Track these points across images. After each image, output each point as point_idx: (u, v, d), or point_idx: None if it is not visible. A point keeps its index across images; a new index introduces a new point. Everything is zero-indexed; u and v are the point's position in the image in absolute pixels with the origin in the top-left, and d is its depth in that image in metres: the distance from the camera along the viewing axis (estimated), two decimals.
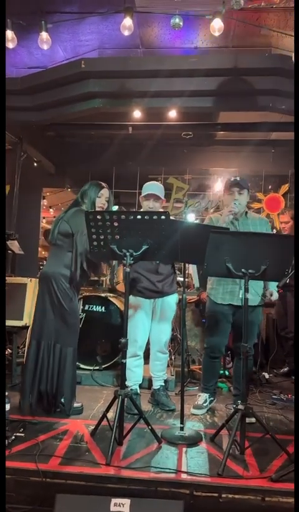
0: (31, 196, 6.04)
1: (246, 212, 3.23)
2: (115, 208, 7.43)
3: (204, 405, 3.22)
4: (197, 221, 6.92)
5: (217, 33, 3.17)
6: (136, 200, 4.45)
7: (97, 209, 3.10)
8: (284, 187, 6.38)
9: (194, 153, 6.39)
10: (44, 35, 3.36)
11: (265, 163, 6.32)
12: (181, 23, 3.18)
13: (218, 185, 6.83)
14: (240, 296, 2.98)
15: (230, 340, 3.58)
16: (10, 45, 3.32)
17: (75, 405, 3.11)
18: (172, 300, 3.38)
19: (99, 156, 6.16)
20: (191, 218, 6.64)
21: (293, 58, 3.53)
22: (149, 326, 3.34)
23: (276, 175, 6.55)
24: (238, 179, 3.17)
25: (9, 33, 3.28)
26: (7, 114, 4.18)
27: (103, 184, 3.20)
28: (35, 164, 5.91)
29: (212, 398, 3.31)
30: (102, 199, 3.15)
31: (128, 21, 3.21)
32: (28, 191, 5.72)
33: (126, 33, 3.26)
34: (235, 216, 3.12)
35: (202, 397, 3.26)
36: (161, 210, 3.44)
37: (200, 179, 6.88)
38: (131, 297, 3.28)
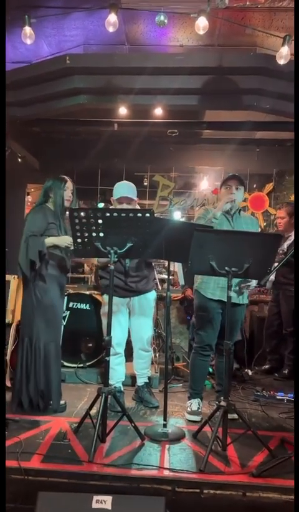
0: (15, 192, 5.98)
1: (240, 210, 3.22)
2: (101, 205, 7.46)
3: (199, 410, 3.11)
4: (183, 219, 6.97)
5: (201, 32, 3.16)
6: None
7: (65, 202, 3.16)
8: (269, 186, 6.44)
9: (180, 151, 6.40)
10: (27, 29, 3.31)
11: (250, 162, 6.37)
12: (166, 21, 3.17)
13: (203, 184, 6.86)
14: (230, 294, 2.92)
15: None
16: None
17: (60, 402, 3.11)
18: (149, 297, 3.36)
19: (85, 153, 6.13)
20: (177, 216, 6.65)
21: (293, 59, 3.55)
22: (127, 324, 3.33)
23: (261, 174, 6.61)
24: (236, 174, 3.17)
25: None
26: None
27: (66, 177, 3.23)
28: (20, 160, 5.84)
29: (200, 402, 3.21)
30: (68, 191, 3.19)
31: (112, 17, 3.18)
32: (13, 187, 5.66)
33: (111, 29, 3.24)
34: (230, 211, 3.10)
35: (195, 403, 3.14)
36: (137, 205, 3.44)
37: (186, 177, 6.89)
38: (105, 296, 3.28)
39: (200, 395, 3.22)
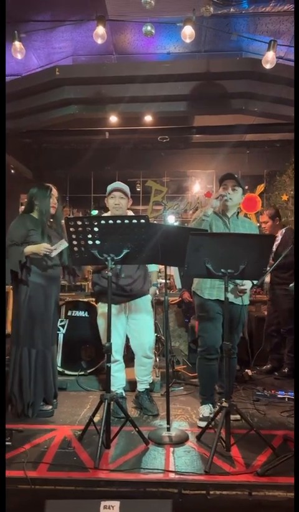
0: (9, 203, 5.99)
1: (238, 213, 3.16)
2: (95, 212, 7.49)
3: (211, 416, 2.96)
4: (177, 223, 7.01)
5: (188, 40, 3.22)
6: None
7: (50, 209, 3.24)
8: (260, 187, 6.51)
9: (171, 156, 6.46)
10: (17, 44, 3.36)
11: (241, 164, 6.44)
12: (153, 31, 3.23)
13: (196, 187, 6.92)
14: (228, 296, 2.86)
15: None
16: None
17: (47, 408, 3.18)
18: (145, 301, 3.34)
19: (77, 161, 6.18)
20: (171, 220, 6.70)
21: (293, 62, 3.61)
22: (124, 330, 3.30)
23: (252, 176, 6.68)
24: (235, 175, 3.09)
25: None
26: None
27: (49, 184, 3.31)
28: (13, 172, 5.88)
29: (213, 408, 3.10)
30: (53, 198, 3.28)
31: (100, 29, 3.24)
32: (6, 198, 5.70)
33: (99, 41, 3.30)
34: (225, 210, 3.05)
35: (206, 409, 3.07)
36: (130, 211, 3.47)
37: (178, 181, 6.95)
38: (101, 304, 3.29)
39: (211, 399, 3.13)
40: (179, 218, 6.94)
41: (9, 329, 3.76)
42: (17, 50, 3.33)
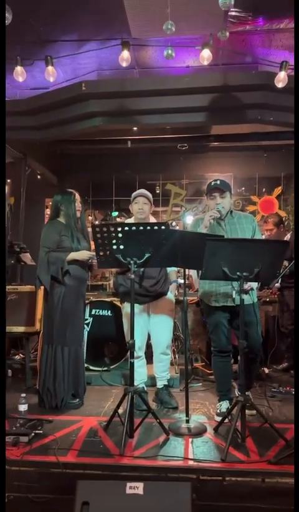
0: (35, 207, 6.28)
1: (232, 211, 3.26)
2: (115, 213, 7.70)
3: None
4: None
5: (205, 62, 3.41)
6: None
7: (76, 213, 3.44)
8: (278, 190, 6.60)
9: (190, 160, 6.61)
10: (50, 69, 3.60)
11: (258, 166, 6.54)
12: (173, 54, 3.43)
13: None
14: (234, 297, 3.06)
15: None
16: (20, 78, 3.58)
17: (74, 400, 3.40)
18: (166, 300, 3.53)
19: (99, 166, 6.42)
20: (189, 220, 6.85)
21: (293, 63, 3.75)
22: (146, 329, 3.50)
23: (270, 178, 6.77)
24: (218, 182, 3.20)
25: (19, 69, 3.53)
26: (12, 134, 4.44)
27: (71, 190, 3.51)
28: (39, 177, 6.15)
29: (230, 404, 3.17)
30: (78, 203, 3.48)
31: (125, 54, 3.46)
32: (32, 203, 5.98)
33: (124, 64, 3.52)
34: (220, 218, 3.15)
35: (224, 405, 3.20)
36: (151, 216, 3.67)
37: (197, 184, 7.09)
38: (126, 304, 3.49)
39: (228, 396, 3.26)
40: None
41: (37, 326, 4.02)
42: (50, 74, 3.57)
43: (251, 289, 3.01)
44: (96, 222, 8.22)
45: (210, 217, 3.08)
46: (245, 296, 2.85)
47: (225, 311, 3.18)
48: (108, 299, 4.44)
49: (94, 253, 3.24)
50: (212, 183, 3.24)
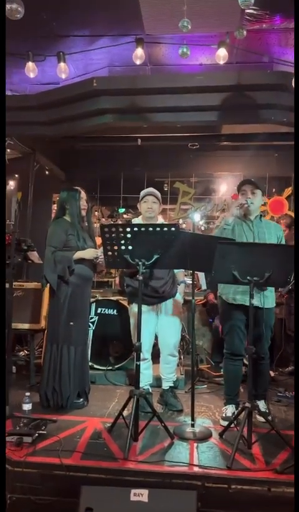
0: (42, 203, 6.25)
1: (261, 216, 3.25)
2: (122, 210, 7.64)
3: (233, 416, 3.01)
4: (202, 222, 7.13)
5: (222, 62, 3.34)
6: None
7: (82, 212, 3.39)
8: (288, 191, 6.51)
9: (199, 158, 6.54)
10: (62, 65, 3.55)
11: (269, 166, 6.45)
12: (188, 53, 3.36)
13: (223, 189, 7.00)
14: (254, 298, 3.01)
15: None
16: (31, 74, 3.53)
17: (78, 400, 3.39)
18: (174, 302, 3.48)
19: (108, 162, 6.37)
20: (197, 218, 6.83)
21: (293, 63, 3.68)
22: (154, 330, 3.46)
23: (280, 178, 6.68)
24: (251, 179, 3.21)
25: (30, 65, 3.49)
26: (22, 129, 4.41)
27: (77, 187, 3.45)
28: (47, 173, 6.11)
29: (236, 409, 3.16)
30: (83, 201, 3.43)
31: (139, 51, 3.40)
32: (40, 198, 5.95)
33: (138, 62, 3.46)
34: (248, 214, 3.13)
35: (230, 409, 3.17)
36: (160, 216, 3.62)
37: (206, 182, 7.03)
38: (134, 305, 3.44)
39: (235, 400, 3.23)
40: (205, 218, 7.05)
41: (43, 324, 4.00)
42: (62, 70, 3.52)
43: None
44: (103, 219, 8.19)
45: (239, 204, 3.05)
46: (257, 299, 2.81)
47: (242, 313, 3.09)
48: (114, 298, 4.42)
49: (100, 251, 3.21)
50: (245, 179, 3.25)
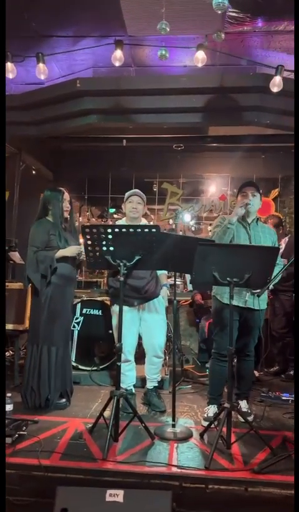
0: (29, 203, 6.21)
1: (258, 219, 3.28)
2: (112, 210, 7.65)
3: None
4: (193, 222, 7.16)
5: (200, 65, 3.36)
6: None
7: (64, 213, 3.39)
8: (274, 192, 6.57)
9: (187, 159, 6.57)
10: (41, 66, 3.55)
11: (256, 168, 6.50)
12: (167, 55, 3.38)
13: (211, 190, 7.03)
14: (247, 299, 3.05)
15: None
16: (10, 75, 3.52)
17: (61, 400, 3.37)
18: (158, 302, 3.50)
19: (95, 163, 6.37)
20: (187, 218, 6.86)
21: (293, 63, 3.71)
22: (137, 332, 3.46)
23: (267, 180, 6.74)
24: (253, 181, 3.26)
25: (9, 65, 3.48)
26: (7, 128, 4.38)
27: (61, 188, 3.46)
28: (34, 172, 6.09)
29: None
30: (66, 202, 3.42)
31: (118, 53, 3.40)
32: (27, 198, 5.92)
33: (117, 64, 3.46)
34: (246, 216, 3.16)
35: (212, 409, 3.18)
36: (144, 219, 3.64)
37: (194, 183, 7.06)
38: (116, 306, 3.44)
39: (218, 400, 3.23)
40: (194, 219, 7.08)
41: (26, 324, 3.98)
42: (41, 71, 3.52)
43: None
44: (93, 219, 8.18)
45: (243, 203, 3.07)
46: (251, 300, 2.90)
47: (236, 313, 3.06)
48: (99, 299, 4.41)
49: (81, 247, 3.20)
50: (247, 180, 3.30)
